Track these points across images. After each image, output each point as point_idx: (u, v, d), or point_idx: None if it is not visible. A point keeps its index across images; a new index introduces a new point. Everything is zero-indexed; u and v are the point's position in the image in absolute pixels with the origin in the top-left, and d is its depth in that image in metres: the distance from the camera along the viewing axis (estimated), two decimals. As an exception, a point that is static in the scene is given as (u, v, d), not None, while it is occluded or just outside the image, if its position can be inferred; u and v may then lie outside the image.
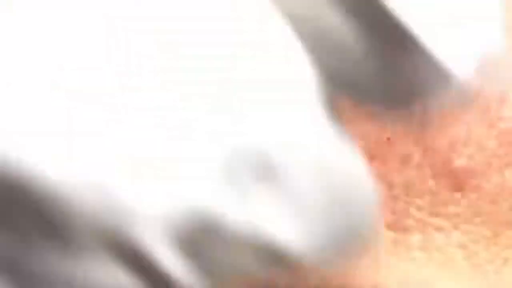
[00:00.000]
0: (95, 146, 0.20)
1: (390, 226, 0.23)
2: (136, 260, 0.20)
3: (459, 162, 0.24)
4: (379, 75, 0.22)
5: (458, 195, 0.24)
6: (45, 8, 0.20)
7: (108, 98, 0.20)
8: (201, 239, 0.21)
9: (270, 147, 0.21)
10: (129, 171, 0.20)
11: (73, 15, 0.20)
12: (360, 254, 0.22)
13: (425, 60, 0.22)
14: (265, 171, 0.21)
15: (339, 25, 0.22)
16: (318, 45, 0.22)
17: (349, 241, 0.22)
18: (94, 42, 0.20)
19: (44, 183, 0.20)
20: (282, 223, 0.21)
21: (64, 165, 0.19)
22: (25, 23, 0.20)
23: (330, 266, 0.22)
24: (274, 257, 0.21)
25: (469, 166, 0.24)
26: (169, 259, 0.20)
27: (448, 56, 0.23)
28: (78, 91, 0.20)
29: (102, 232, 0.20)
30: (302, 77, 0.21)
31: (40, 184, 0.19)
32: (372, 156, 0.23)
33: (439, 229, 0.24)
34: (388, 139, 0.23)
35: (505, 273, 0.24)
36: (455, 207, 0.24)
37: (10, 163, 0.19)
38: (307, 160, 0.21)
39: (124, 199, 0.20)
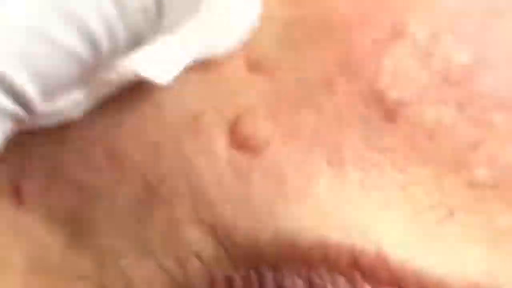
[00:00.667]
0: None
1: (329, 162, 0.23)
2: None
3: (389, 92, 0.23)
4: None
5: (391, 125, 0.23)
6: None
7: None
8: None
9: None
10: None
11: None
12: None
13: None
14: None
15: None
16: None
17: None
18: None
19: None
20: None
21: None
22: None
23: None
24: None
25: (400, 96, 0.23)
26: None
27: None
28: None
29: None
30: None
31: None
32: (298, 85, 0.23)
33: (376, 165, 0.23)
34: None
35: (449, 227, 0.23)
36: (389, 138, 0.23)
37: None
38: None
39: None
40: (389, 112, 0.23)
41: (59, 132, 0.23)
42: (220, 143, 0.23)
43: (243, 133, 0.23)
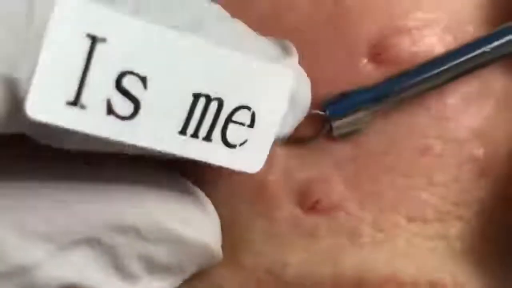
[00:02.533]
0: None
1: (410, 219, 0.24)
2: None
3: (481, 149, 0.24)
4: None
5: (483, 180, 0.24)
6: None
7: None
8: None
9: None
10: None
11: None
12: None
13: None
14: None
15: None
16: None
17: None
18: None
19: None
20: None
21: None
22: None
23: None
24: None
25: (494, 155, 0.24)
26: None
27: None
28: None
29: None
30: None
31: None
32: (384, 151, 0.24)
33: (459, 218, 0.24)
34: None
35: None
36: (480, 193, 0.24)
37: None
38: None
39: None
40: (482, 169, 0.24)
41: None
42: (286, 209, 0.24)
43: (314, 197, 0.23)
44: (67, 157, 0.21)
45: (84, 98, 0.18)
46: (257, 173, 0.22)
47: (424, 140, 0.24)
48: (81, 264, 0.21)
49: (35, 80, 0.17)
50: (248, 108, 0.21)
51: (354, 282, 0.23)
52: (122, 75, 0.18)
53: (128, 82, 0.18)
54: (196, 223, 0.22)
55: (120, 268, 0.22)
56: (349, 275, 0.23)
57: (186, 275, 0.23)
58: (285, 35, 0.23)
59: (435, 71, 0.23)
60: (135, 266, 0.22)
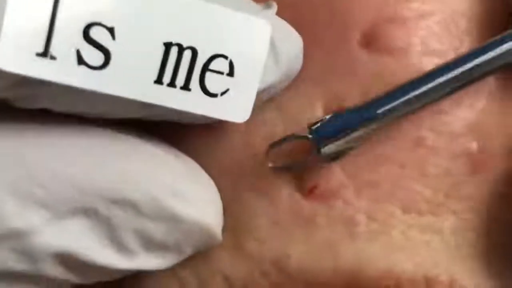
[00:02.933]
0: None
1: (405, 209, 0.24)
2: None
3: (476, 144, 0.24)
4: None
5: (476, 176, 0.24)
6: None
7: None
8: None
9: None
10: None
11: None
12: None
13: None
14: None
15: None
16: None
17: None
18: None
19: None
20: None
21: None
22: None
23: None
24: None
25: (486, 148, 0.24)
26: None
27: None
28: None
29: None
30: None
31: None
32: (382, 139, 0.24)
33: (453, 212, 0.24)
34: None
35: None
36: (472, 188, 0.24)
37: None
38: None
39: None
40: (475, 164, 0.24)
41: None
42: (284, 190, 0.24)
43: (313, 181, 0.24)
44: (64, 126, 0.22)
45: (53, 49, 0.19)
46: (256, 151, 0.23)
47: (418, 131, 0.24)
48: (77, 233, 0.21)
49: (3, 33, 0.19)
50: (225, 57, 0.21)
51: (352, 276, 0.23)
52: (89, 26, 0.19)
53: (96, 33, 0.20)
54: (196, 202, 0.23)
55: (116, 241, 0.22)
56: (347, 269, 0.23)
57: (185, 255, 0.23)
58: (282, 12, 0.23)
59: (427, 87, 0.23)
60: (132, 241, 0.22)
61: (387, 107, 0.23)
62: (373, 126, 0.23)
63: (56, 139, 0.21)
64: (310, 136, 0.23)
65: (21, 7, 0.19)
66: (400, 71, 0.24)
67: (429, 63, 0.24)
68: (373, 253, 0.23)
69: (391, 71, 0.24)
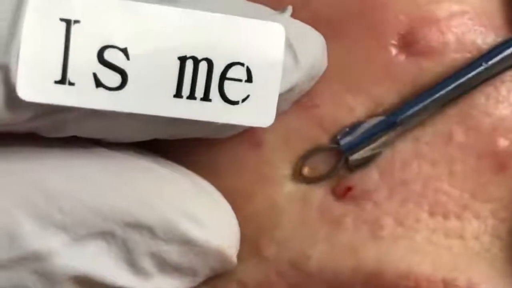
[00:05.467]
0: None
1: (432, 213, 0.24)
2: None
3: (503, 143, 0.24)
4: None
5: (501, 176, 0.24)
6: None
7: None
8: None
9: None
10: None
11: None
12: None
13: None
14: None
15: None
16: None
17: None
18: None
19: None
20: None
21: None
22: None
23: None
24: None
25: None
26: None
27: None
28: None
29: None
30: None
31: None
32: (415, 137, 0.24)
33: (477, 216, 0.24)
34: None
35: None
36: (497, 189, 0.24)
37: None
38: None
39: None
40: (501, 163, 0.24)
41: None
42: (320, 191, 0.24)
43: (349, 182, 0.24)
44: (81, 150, 0.22)
45: (70, 75, 0.20)
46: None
47: (448, 126, 0.24)
48: (95, 256, 0.22)
49: (20, 64, 0.19)
50: (241, 64, 0.22)
51: (372, 276, 0.23)
52: (102, 49, 0.20)
53: (110, 55, 0.20)
54: (211, 226, 0.23)
55: (132, 264, 0.22)
56: (367, 269, 0.23)
57: (200, 278, 0.24)
58: (315, 23, 0.24)
59: (452, 87, 0.24)
60: (147, 263, 0.23)
61: (408, 112, 0.24)
62: (398, 131, 0.24)
63: (74, 163, 0.22)
64: (336, 145, 0.24)
65: (36, 37, 0.20)
66: (438, 71, 0.24)
67: (466, 59, 0.24)
68: (395, 255, 0.23)
69: (428, 72, 0.24)
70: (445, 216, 0.24)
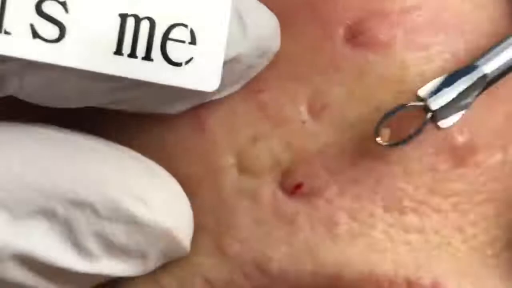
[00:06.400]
0: None
1: (386, 208, 0.23)
2: None
3: (461, 138, 0.23)
4: None
5: (459, 171, 0.23)
6: None
7: None
8: None
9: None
10: None
11: None
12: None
13: None
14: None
15: None
16: None
17: None
18: None
19: None
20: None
21: None
22: None
23: None
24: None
25: (472, 142, 0.23)
26: None
27: None
28: None
29: None
30: None
31: None
32: (366, 135, 0.23)
33: (437, 210, 0.23)
34: None
35: (504, 257, 0.24)
36: (456, 184, 0.23)
37: None
38: None
39: None
40: (458, 159, 0.23)
41: None
42: (268, 188, 0.23)
43: (297, 179, 0.23)
44: (22, 129, 0.22)
45: (7, 25, 0.20)
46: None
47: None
48: (37, 234, 0.22)
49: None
50: (184, 25, 0.22)
51: (332, 280, 0.23)
52: (41, 1, 0.20)
53: (49, 7, 0.20)
54: (158, 206, 0.22)
55: (76, 244, 0.22)
56: (327, 273, 0.23)
57: (151, 263, 0.23)
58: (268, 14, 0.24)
59: None
60: (92, 244, 0.22)
61: (495, 65, 0.23)
62: (484, 84, 0.23)
63: (14, 141, 0.22)
64: (421, 103, 0.23)
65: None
66: (384, 65, 0.23)
67: (414, 57, 0.23)
68: (354, 255, 0.23)
69: (374, 66, 0.23)
70: (401, 212, 0.23)
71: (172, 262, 0.24)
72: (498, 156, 0.24)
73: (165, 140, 0.24)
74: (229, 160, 0.24)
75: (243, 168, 0.24)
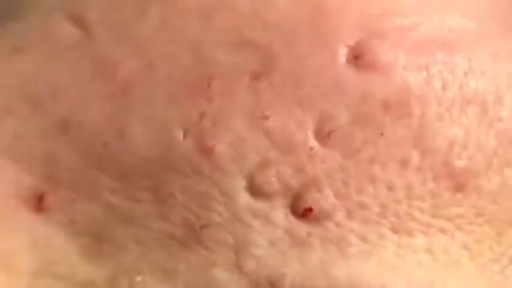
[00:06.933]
0: None
1: (395, 230, 0.23)
2: None
3: (459, 163, 0.23)
4: None
5: (459, 196, 0.24)
6: None
7: None
8: None
9: None
10: None
11: None
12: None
13: None
14: None
15: None
16: None
17: None
18: None
19: None
20: None
21: None
22: None
23: None
24: None
25: (469, 167, 0.24)
26: None
27: None
28: None
29: None
30: None
31: None
32: (370, 160, 0.23)
33: (442, 231, 0.24)
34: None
35: (510, 272, 0.24)
36: (457, 208, 0.24)
37: None
38: None
39: None
40: (458, 183, 0.24)
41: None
42: (280, 212, 0.23)
43: (307, 203, 0.23)
44: None
45: None
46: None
47: (404, 152, 0.23)
48: None
49: None
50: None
51: None
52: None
53: None
54: None
55: None
56: (341, 286, 0.23)
57: None
58: (267, 33, 0.24)
59: None
60: None
61: None
62: None
63: None
64: None
65: None
66: (386, 86, 0.23)
67: (416, 77, 0.23)
68: (366, 272, 0.23)
69: (377, 87, 0.23)
70: (410, 234, 0.23)
71: (189, 273, 0.24)
72: (496, 179, 0.24)
73: None
74: (241, 183, 0.24)
75: (254, 192, 0.24)
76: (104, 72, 0.24)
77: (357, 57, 0.23)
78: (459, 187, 0.24)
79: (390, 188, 0.23)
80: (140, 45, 0.24)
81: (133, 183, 0.24)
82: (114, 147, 0.24)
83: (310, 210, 0.23)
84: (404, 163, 0.23)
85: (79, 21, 0.24)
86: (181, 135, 0.23)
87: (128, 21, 0.24)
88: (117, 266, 0.24)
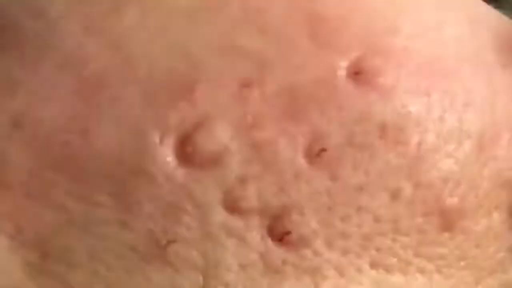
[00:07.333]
0: None
1: (373, 264, 0.22)
2: None
3: (451, 200, 0.23)
4: None
5: (446, 235, 0.23)
6: None
7: None
8: None
9: None
10: None
11: None
12: None
13: None
14: None
15: None
16: None
17: None
18: None
19: None
20: None
21: None
22: None
23: None
24: None
25: (461, 206, 0.23)
26: None
27: None
28: None
29: None
30: None
31: None
32: (359, 187, 0.22)
33: (421, 271, 0.23)
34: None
35: None
36: (441, 248, 0.23)
37: None
38: None
39: None
40: (446, 222, 0.23)
41: None
42: (257, 233, 0.22)
43: (286, 227, 0.22)
44: None
45: None
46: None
47: (396, 182, 0.22)
48: None
49: None
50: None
51: None
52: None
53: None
54: None
55: None
56: None
57: None
58: (259, 39, 0.22)
59: None
60: None
61: None
62: None
63: None
64: None
65: None
66: (385, 108, 0.22)
67: (416, 103, 0.22)
68: None
69: (375, 107, 0.22)
70: (388, 270, 0.22)
71: None
72: (483, 222, 0.23)
73: None
74: (217, 196, 0.22)
75: (230, 207, 0.22)
76: (71, 64, 0.22)
77: (357, 73, 0.22)
78: (447, 226, 0.23)
79: (376, 219, 0.22)
80: (115, 40, 0.22)
81: (94, 185, 0.21)
82: (76, 147, 0.21)
83: (288, 233, 0.22)
84: (395, 194, 0.22)
85: (39, 15, 0.22)
86: (157, 139, 0.21)
87: (100, 15, 0.22)
88: (66, 283, 0.21)
